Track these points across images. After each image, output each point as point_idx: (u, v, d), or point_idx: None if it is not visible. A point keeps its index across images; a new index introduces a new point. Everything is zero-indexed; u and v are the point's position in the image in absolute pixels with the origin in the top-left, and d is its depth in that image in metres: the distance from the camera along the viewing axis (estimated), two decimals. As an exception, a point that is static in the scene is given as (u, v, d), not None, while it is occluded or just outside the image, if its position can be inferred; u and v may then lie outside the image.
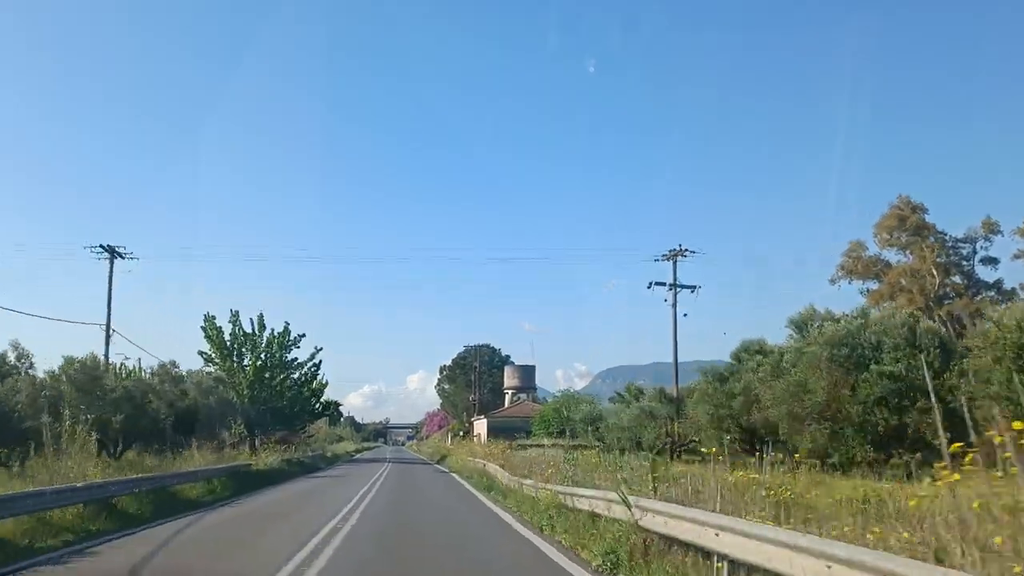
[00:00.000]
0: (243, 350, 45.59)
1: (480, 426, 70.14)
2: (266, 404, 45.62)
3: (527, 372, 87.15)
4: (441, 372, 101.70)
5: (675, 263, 36.41)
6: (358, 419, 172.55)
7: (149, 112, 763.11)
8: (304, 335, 47.37)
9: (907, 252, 57.11)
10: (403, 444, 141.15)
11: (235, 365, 44.89)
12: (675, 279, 36.19)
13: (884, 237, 58.66)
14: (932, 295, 55.53)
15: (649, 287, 36.33)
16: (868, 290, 58.67)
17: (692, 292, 36.39)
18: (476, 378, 79.23)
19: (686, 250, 36.10)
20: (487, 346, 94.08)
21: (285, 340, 46.39)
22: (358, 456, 71.82)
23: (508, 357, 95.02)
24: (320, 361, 48.98)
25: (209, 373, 45.82)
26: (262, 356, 45.96)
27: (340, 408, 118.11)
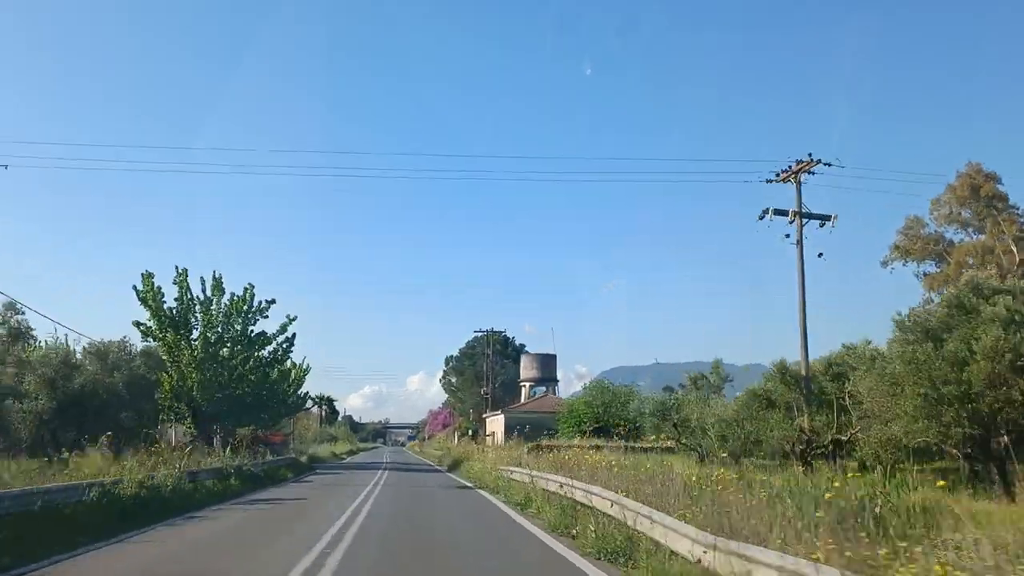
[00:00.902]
0: (191, 319, 34.25)
1: (495, 423, 58.96)
2: (222, 390, 34.34)
3: (547, 362, 75.26)
4: (447, 364, 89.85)
5: (799, 184, 25.08)
6: (358, 419, 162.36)
7: (149, 112, 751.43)
8: (273, 301, 35.97)
9: (968, 229, 48.92)
10: (403, 445, 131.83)
11: (181, 339, 33.54)
12: (800, 204, 24.84)
13: (943, 213, 49.14)
14: (1010, 276, 45.73)
15: (762, 217, 24.91)
16: (925, 273, 49.99)
17: (822, 226, 25.06)
18: (488, 367, 67.49)
19: (818, 161, 24.76)
20: (499, 333, 77.59)
21: (246, 307, 34.95)
22: (348, 460, 60.31)
23: (523, 346, 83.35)
24: (293, 335, 37.50)
25: (137, 348, 34.69)
26: (218, 328, 34.63)
27: (334, 404, 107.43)
